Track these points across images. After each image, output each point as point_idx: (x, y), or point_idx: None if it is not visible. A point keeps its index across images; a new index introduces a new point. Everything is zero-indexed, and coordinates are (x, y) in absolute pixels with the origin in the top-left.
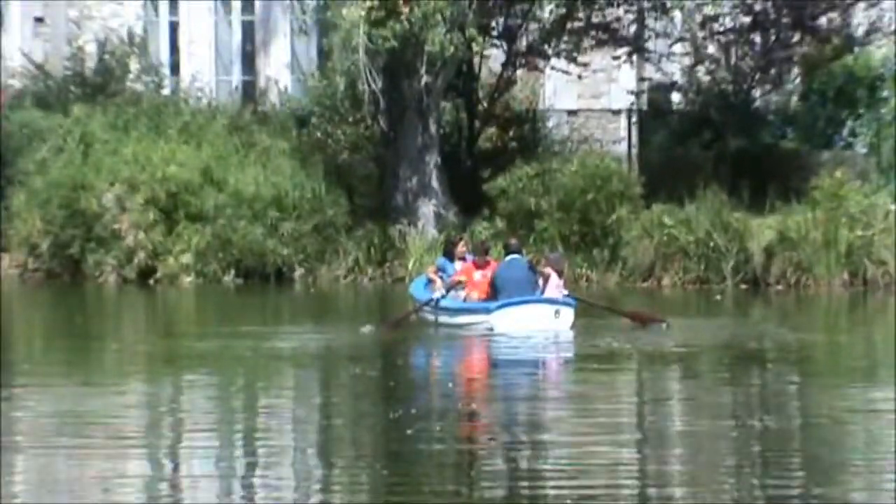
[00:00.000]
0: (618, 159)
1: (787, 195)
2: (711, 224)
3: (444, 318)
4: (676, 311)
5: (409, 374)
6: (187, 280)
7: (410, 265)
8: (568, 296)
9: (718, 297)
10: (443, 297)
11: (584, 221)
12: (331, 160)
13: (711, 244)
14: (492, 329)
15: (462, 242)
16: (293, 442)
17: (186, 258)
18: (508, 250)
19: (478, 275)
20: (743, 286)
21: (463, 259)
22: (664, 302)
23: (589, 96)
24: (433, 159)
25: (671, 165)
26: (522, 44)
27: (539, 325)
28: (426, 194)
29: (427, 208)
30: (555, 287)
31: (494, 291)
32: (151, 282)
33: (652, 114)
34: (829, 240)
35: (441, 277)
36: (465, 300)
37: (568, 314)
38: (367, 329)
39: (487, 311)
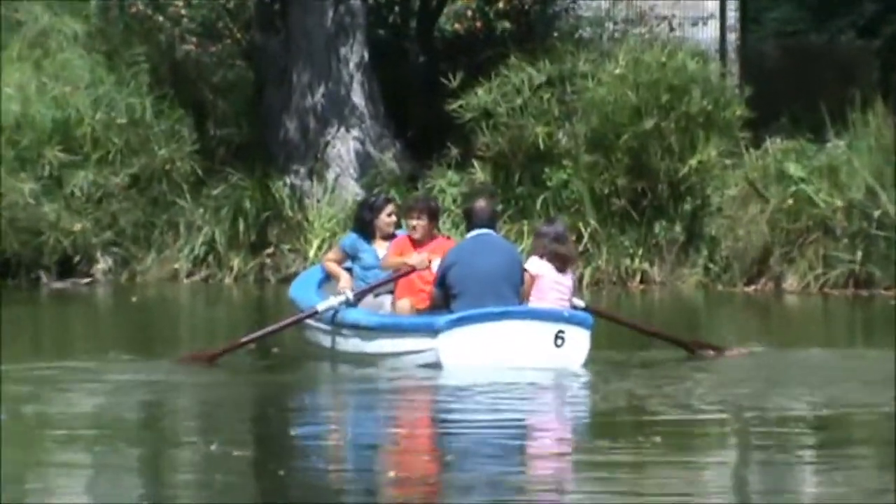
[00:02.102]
0: (701, 54)
1: None
2: (876, 175)
3: (350, 344)
4: (811, 336)
5: (293, 456)
6: None
7: (312, 251)
8: (582, 308)
9: None
10: (348, 303)
11: (638, 171)
12: (164, 55)
13: (877, 213)
14: (437, 364)
15: (389, 207)
16: None
17: None
18: (473, 220)
19: (415, 257)
20: None
21: (391, 237)
22: (790, 318)
23: None
24: (356, 53)
25: (799, 66)
26: None
27: (526, 359)
28: (341, 118)
29: (343, 145)
30: (554, 289)
31: (445, 295)
32: None
33: None
34: None
35: (350, 270)
36: (392, 311)
37: (579, 339)
38: (214, 447)
39: (431, 330)
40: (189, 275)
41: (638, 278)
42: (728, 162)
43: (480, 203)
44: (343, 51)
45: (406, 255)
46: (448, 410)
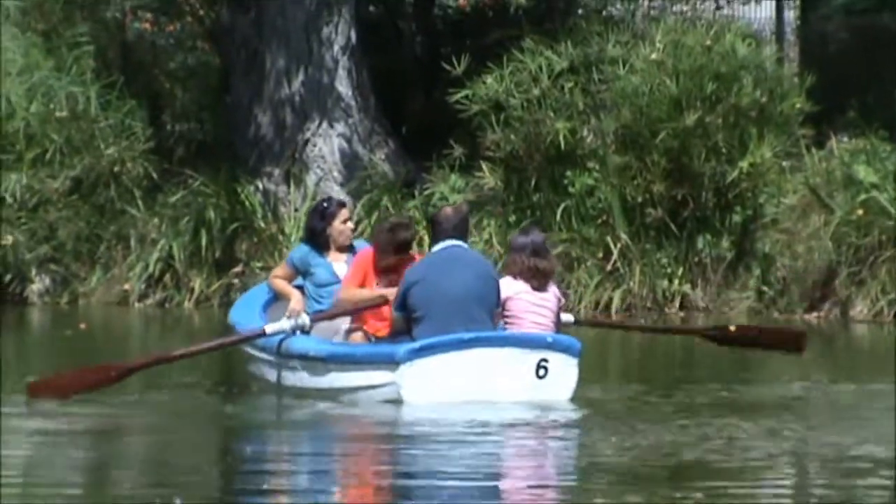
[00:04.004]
0: (754, 35)
1: None
2: None
3: (297, 377)
4: (884, 372)
5: None
6: None
7: None
8: (572, 322)
9: None
10: (303, 329)
11: (678, 176)
12: (112, 36)
13: None
14: (398, 400)
15: (344, 213)
16: None
17: None
18: (439, 230)
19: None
20: None
21: (348, 248)
22: (866, 354)
23: None
24: (341, 33)
25: (868, 50)
26: None
27: (503, 394)
28: (324, 111)
29: (326, 143)
30: (532, 312)
31: (406, 319)
32: None
33: None
34: None
35: (301, 288)
36: (347, 338)
37: (565, 369)
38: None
39: (391, 361)
40: (142, 297)
41: (677, 303)
42: (785, 164)
43: (448, 209)
44: (326, 31)
45: (377, 286)
46: (409, 461)
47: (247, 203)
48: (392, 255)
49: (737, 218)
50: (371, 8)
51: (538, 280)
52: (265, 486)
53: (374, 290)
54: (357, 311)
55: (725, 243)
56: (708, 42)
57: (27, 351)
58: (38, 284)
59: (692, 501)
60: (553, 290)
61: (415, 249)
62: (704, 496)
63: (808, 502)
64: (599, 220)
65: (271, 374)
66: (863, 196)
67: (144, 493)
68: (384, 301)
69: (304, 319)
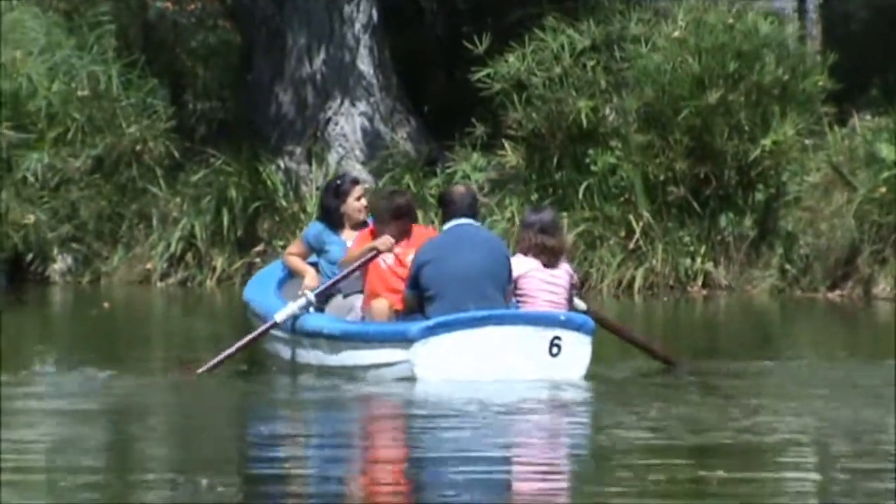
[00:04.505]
0: (776, 13)
1: None
2: None
3: (312, 355)
4: None
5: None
6: None
7: None
8: (583, 311)
9: None
10: (310, 306)
11: (700, 154)
12: (133, 14)
13: None
14: (412, 378)
15: (357, 190)
16: None
17: None
18: (450, 208)
19: (389, 257)
20: None
21: (362, 224)
22: (889, 332)
23: None
24: (363, 11)
25: (893, 29)
26: None
27: (516, 372)
28: (346, 89)
29: (347, 121)
30: (544, 290)
31: (418, 297)
32: None
33: None
34: None
35: (315, 265)
36: (364, 314)
37: (578, 347)
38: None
39: (404, 339)
40: (163, 276)
41: (700, 281)
42: (808, 143)
43: (459, 188)
44: (347, 9)
45: (363, 241)
46: (422, 438)
47: (268, 182)
48: (390, 221)
49: (759, 196)
50: None
51: (547, 257)
52: (282, 466)
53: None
54: (353, 271)
55: (748, 221)
56: (730, 20)
57: (52, 330)
58: (60, 263)
59: (715, 480)
60: (565, 268)
61: (427, 225)
62: (726, 474)
63: (831, 481)
64: (622, 199)
65: (286, 352)
66: (885, 174)
67: (168, 473)
68: (376, 252)
69: (310, 297)
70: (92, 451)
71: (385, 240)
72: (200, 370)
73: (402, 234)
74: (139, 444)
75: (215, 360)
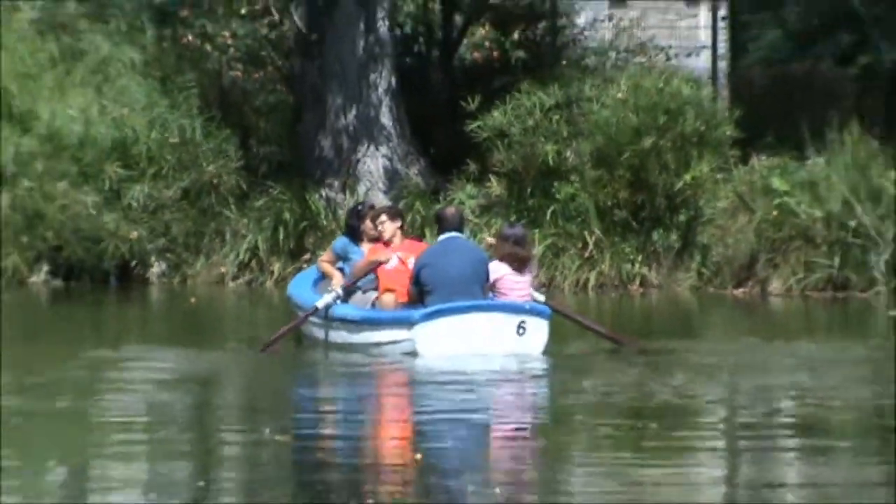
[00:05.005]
0: (695, 80)
1: None
2: (852, 189)
3: (339, 336)
4: (793, 332)
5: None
6: None
7: None
8: (541, 302)
9: (893, 312)
10: (338, 297)
11: (638, 185)
12: (212, 81)
13: (853, 223)
14: (414, 352)
15: (377, 212)
16: None
17: None
18: (443, 224)
19: (395, 260)
20: None
21: (376, 239)
22: (780, 320)
23: None
24: (384, 79)
25: (782, 90)
26: None
27: (492, 347)
28: (372, 137)
29: (373, 161)
30: (514, 289)
31: (419, 291)
32: None
33: (753, 5)
34: None
35: (341, 270)
36: (374, 305)
37: (538, 329)
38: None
39: (408, 322)
40: (234, 278)
41: (638, 282)
42: (719, 177)
43: (450, 209)
44: (373, 77)
45: (376, 253)
46: (423, 399)
47: (313, 207)
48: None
49: (682, 217)
50: (407, 60)
51: (518, 264)
52: (321, 420)
53: (369, 258)
54: (363, 275)
55: (674, 236)
56: (660, 85)
57: (151, 318)
58: (156, 268)
59: (650, 433)
60: (528, 273)
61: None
62: (659, 428)
63: (737, 427)
64: (579, 219)
65: (320, 333)
66: (777, 201)
67: (238, 429)
68: (378, 263)
69: (338, 291)
70: (181, 409)
71: (384, 252)
72: (262, 350)
73: (378, 244)
74: (217, 403)
75: (273, 338)
